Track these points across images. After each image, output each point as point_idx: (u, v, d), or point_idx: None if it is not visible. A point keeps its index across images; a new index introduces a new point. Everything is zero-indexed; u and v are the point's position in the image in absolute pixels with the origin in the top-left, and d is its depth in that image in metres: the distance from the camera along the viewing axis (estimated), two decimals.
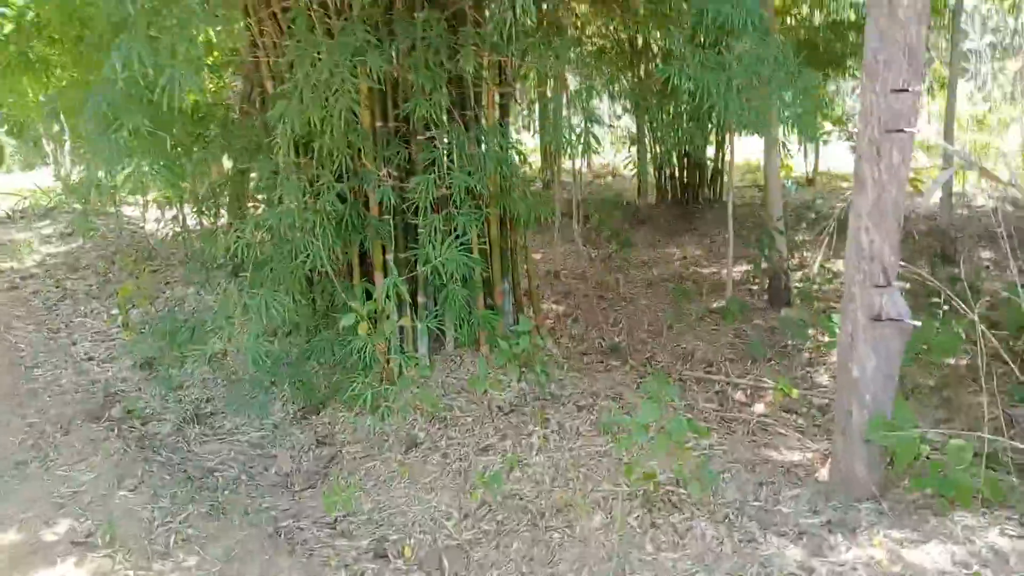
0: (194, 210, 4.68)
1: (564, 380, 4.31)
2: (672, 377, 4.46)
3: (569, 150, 3.78)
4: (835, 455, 2.96)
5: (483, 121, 4.04)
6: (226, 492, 3.64)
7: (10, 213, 11.21)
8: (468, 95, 4.14)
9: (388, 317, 3.24)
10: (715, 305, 5.78)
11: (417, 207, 3.74)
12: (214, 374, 4.87)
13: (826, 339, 4.68)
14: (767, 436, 3.59)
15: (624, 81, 8.64)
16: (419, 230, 3.93)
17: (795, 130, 3.49)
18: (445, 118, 3.92)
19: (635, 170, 10.02)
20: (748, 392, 4.25)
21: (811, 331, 4.81)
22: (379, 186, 3.86)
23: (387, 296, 3.07)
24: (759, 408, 4.03)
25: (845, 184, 12.66)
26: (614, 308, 5.83)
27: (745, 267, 7.00)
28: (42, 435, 4.09)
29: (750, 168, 13.02)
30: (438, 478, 3.42)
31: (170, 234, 6.67)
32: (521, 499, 3.16)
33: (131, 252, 8.42)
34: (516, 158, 4.12)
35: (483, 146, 3.78)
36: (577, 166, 8.67)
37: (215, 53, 4.72)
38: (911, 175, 2.64)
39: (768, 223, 5.40)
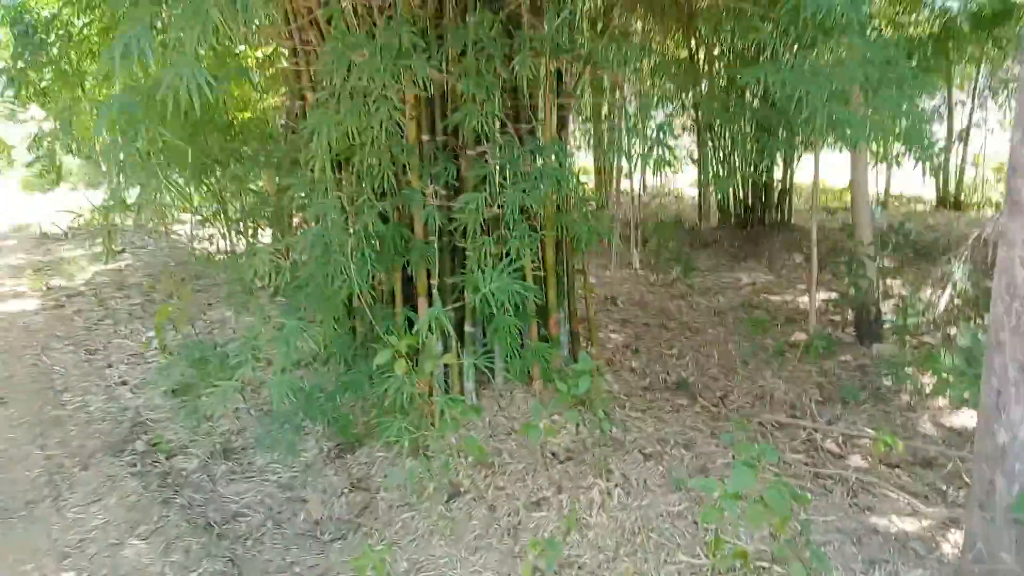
0: (230, 229, 4.39)
1: (627, 422, 3.83)
2: (750, 422, 3.93)
3: (637, 165, 3.34)
4: (969, 532, 2.41)
5: (539, 134, 3.64)
6: (248, 543, 3.27)
7: (65, 231, 11.34)
8: (523, 106, 3.75)
9: (430, 354, 2.83)
10: (794, 338, 5.21)
11: (465, 228, 3.34)
12: (247, 403, 4.56)
13: (928, 380, 4.09)
14: (870, 498, 3.04)
15: (686, 96, 8.17)
16: (467, 253, 3.53)
17: (904, 144, 2.98)
18: (498, 131, 3.53)
19: (697, 191, 9.50)
20: (841, 442, 3.70)
21: (909, 370, 4.22)
22: (425, 205, 3.49)
23: (429, 329, 2.67)
24: (856, 461, 3.47)
25: (918, 207, 11.87)
26: (678, 339, 5.32)
27: (823, 296, 6.41)
28: (59, 470, 3.81)
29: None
30: (483, 536, 2.97)
31: (214, 253, 6.47)
32: (581, 568, 2.70)
33: (176, 271, 8.30)
34: (574, 175, 3.69)
35: (539, 161, 3.36)
36: (635, 186, 8.23)
37: (249, 59, 4.45)
38: None
39: (856, 248, 4.83)
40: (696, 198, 10.46)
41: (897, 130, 2.97)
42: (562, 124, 3.85)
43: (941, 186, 11.25)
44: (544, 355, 3.65)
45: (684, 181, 12.58)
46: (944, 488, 3.08)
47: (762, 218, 9.22)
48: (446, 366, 3.98)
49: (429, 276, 3.81)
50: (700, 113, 8.60)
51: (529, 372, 3.85)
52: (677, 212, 10.71)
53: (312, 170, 3.05)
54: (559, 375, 3.80)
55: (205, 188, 3.81)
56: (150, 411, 4.73)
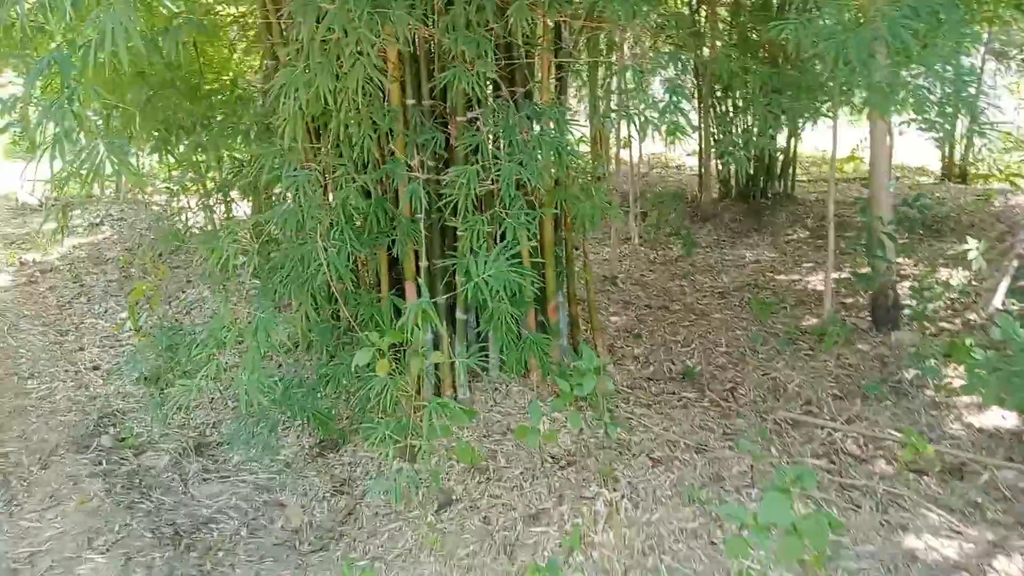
0: (207, 201, 4.02)
1: (632, 419, 3.53)
2: (765, 420, 3.65)
3: (639, 134, 2.99)
4: None
5: (537, 98, 3.27)
6: (219, 554, 2.97)
7: (41, 201, 10.87)
8: (518, 67, 3.37)
9: (417, 352, 2.51)
10: (805, 323, 4.92)
11: (456, 205, 3.00)
12: (224, 393, 4.24)
13: (953, 373, 3.81)
14: (902, 514, 2.76)
15: (689, 57, 7.73)
16: (459, 234, 3.19)
17: (952, 109, 2.64)
18: (491, 94, 3.17)
19: (697, 161, 9.13)
20: (863, 443, 3.41)
21: (933, 362, 3.93)
22: (410, 179, 3.14)
23: (416, 324, 2.34)
24: (880, 466, 3.19)
25: (923, 180, 11.53)
26: (683, 323, 5.02)
27: (832, 275, 6.09)
28: (16, 468, 3.49)
29: (815, 161, 12.00)
30: (477, 553, 2.68)
31: (191, 227, 6.09)
32: None
33: (155, 245, 7.90)
34: (575, 144, 3.34)
35: (537, 128, 3.00)
36: (634, 156, 7.86)
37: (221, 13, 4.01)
38: None
39: (874, 225, 4.51)
40: (696, 168, 10.08)
41: (938, 94, 2.63)
42: (561, 87, 3.48)
43: (946, 156, 10.88)
44: (542, 346, 3.33)
45: (681, 151, 12.17)
46: (980, 502, 2.81)
47: (764, 190, 8.86)
48: (434, 346, 3.67)
49: (417, 258, 3.48)
50: (702, 77, 8.17)
51: (526, 364, 3.54)
52: (676, 184, 10.34)
53: (283, 137, 2.68)
54: (558, 368, 3.49)
55: (172, 158, 3.43)
56: (120, 400, 4.40)
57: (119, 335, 5.54)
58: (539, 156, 2.83)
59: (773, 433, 3.49)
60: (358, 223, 3.19)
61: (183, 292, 6.30)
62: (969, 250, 4.87)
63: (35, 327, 5.74)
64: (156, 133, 3.65)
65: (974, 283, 5.29)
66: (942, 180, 11.03)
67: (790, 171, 8.86)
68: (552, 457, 3.09)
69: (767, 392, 4.01)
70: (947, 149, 10.96)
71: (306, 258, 2.90)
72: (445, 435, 2.52)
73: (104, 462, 3.59)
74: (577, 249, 4.13)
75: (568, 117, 3.16)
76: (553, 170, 3.29)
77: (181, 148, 3.30)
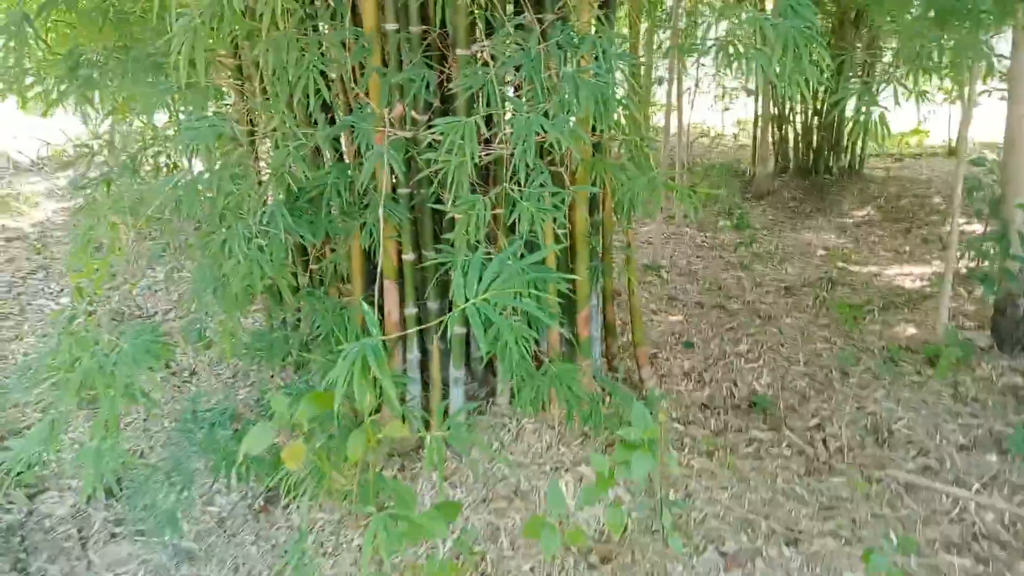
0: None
1: (687, 478, 2.57)
2: (870, 482, 2.65)
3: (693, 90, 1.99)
4: None
5: (573, 22, 2.25)
6: None
7: (34, 161, 10.11)
8: None
9: (361, 429, 1.52)
10: (906, 334, 3.88)
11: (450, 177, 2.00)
12: (162, 408, 3.36)
13: None
14: None
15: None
16: (453, 218, 2.21)
17: None
18: (507, 18, 2.15)
19: (752, 128, 8.01)
20: (1008, 522, 2.42)
21: None
22: (389, 136, 2.15)
23: (367, 376, 1.36)
24: None
25: (991, 156, 10.21)
26: (745, 328, 4.01)
27: (920, 269, 5.02)
28: None
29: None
30: None
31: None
32: None
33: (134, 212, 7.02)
34: (634, 90, 2.32)
35: (571, 66, 1.98)
36: (684, 119, 6.76)
37: None
38: None
39: (1008, 215, 3.43)
40: (746, 140, 8.95)
41: None
42: (607, 7, 2.43)
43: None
44: (567, 381, 2.36)
45: (730, 119, 10.98)
46: None
47: (827, 165, 7.73)
48: (423, 368, 2.73)
49: (400, 249, 2.52)
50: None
51: (545, 400, 2.57)
52: (726, 155, 9.21)
53: (177, 70, 1.71)
54: (590, 405, 2.52)
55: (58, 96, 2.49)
56: (38, 415, 3.54)
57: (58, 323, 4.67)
58: (575, 107, 1.82)
59: (882, 500, 2.51)
60: (311, 198, 2.22)
61: (153, 270, 5.40)
62: None
63: None
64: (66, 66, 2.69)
65: None
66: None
67: (863, 142, 7.71)
68: (579, 549, 2.13)
69: (865, 433, 3.01)
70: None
71: (227, 248, 1.94)
72: (411, 541, 1.57)
73: None
74: (625, 242, 3.13)
75: (621, 51, 2.13)
76: (595, 128, 2.29)
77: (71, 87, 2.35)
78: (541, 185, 1.91)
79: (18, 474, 2.92)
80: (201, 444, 2.35)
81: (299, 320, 2.80)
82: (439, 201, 2.23)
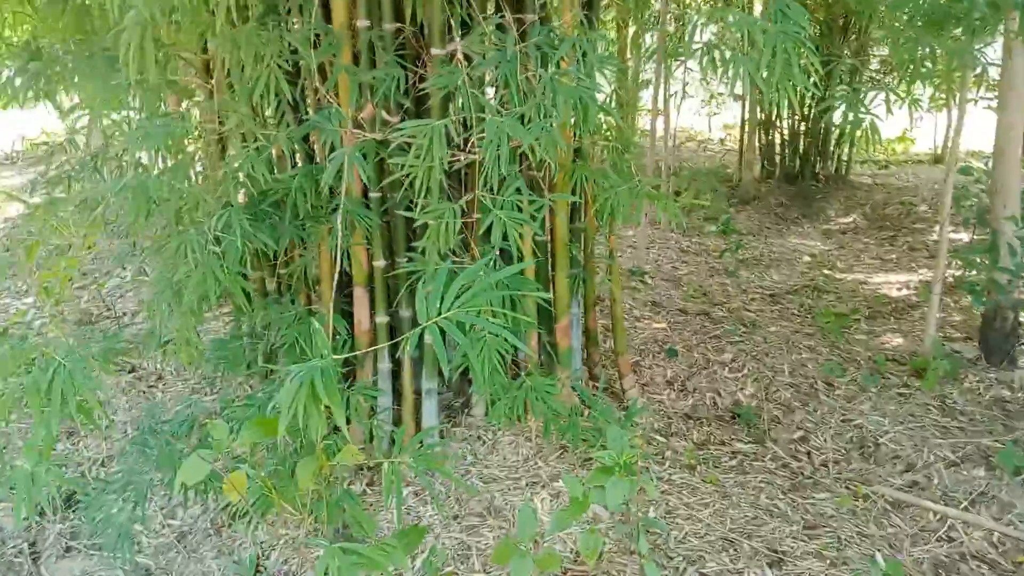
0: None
1: (669, 492, 2.48)
2: (857, 498, 2.58)
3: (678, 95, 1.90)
4: None
5: (555, 24, 2.16)
6: None
7: (9, 155, 9.91)
8: None
9: (312, 455, 1.41)
10: (892, 344, 3.82)
11: (420, 182, 1.89)
12: (126, 411, 3.24)
13: None
14: None
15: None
16: (423, 224, 2.11)
17: None
18: (483, 18, 2.05)
19: (739, 133, 7.96)
20: (998, 542, 2.35)
21: None
22: (359, 138, 2.05)
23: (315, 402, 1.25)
24: None
25: (976, 163, 10.23)
26: (730, 336, 3.93)
27: (906, 278, 4.98)
28: None
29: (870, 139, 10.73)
30: None
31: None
32: None
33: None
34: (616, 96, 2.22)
35: (551, 69, 1.89)
36: (670, 122, 6.71)
37: None
38: None
39: (998, 226, 3.37)
40: (732, 145, 8.91)
41: None
42: (590, 9, 2.34)
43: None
44: (544, 394, 2.26)
45: (716, 124, 10.94)
46: None
47: (813, 170, 7.69)
48: (394, 377, 2.62)
49: (370, 255, 2.41)
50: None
51: (522, 411, 2.47)
52: (711, 159, 9.16)
53: (127, 65, 1.59)
54: (568, 420, 2.43)
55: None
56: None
57: (31, 321, 4.53)
58: (553, 111, 1.73)
59: (868, 518, 2.44)
60: (275, 201, 2.11)
61: (125, 267, 5.26)
62: None
63: None
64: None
65: None
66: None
67: (851, 148, 7.69)
68: (552, 574, 2.04)
69: (850, 447, 2.94)
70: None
71: (183, 250, 1.83)
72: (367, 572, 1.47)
73: None
74: (608, 249, 3.04)
75: (602, 54, 2.04)
76: (573, 134, 2.19)
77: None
78: (517, 191, 1.82)
79: None
80: (159, 459, 2.24)
81: (267, 327, 2.69)
82: (410, 207, 2.13)
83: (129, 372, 3.61)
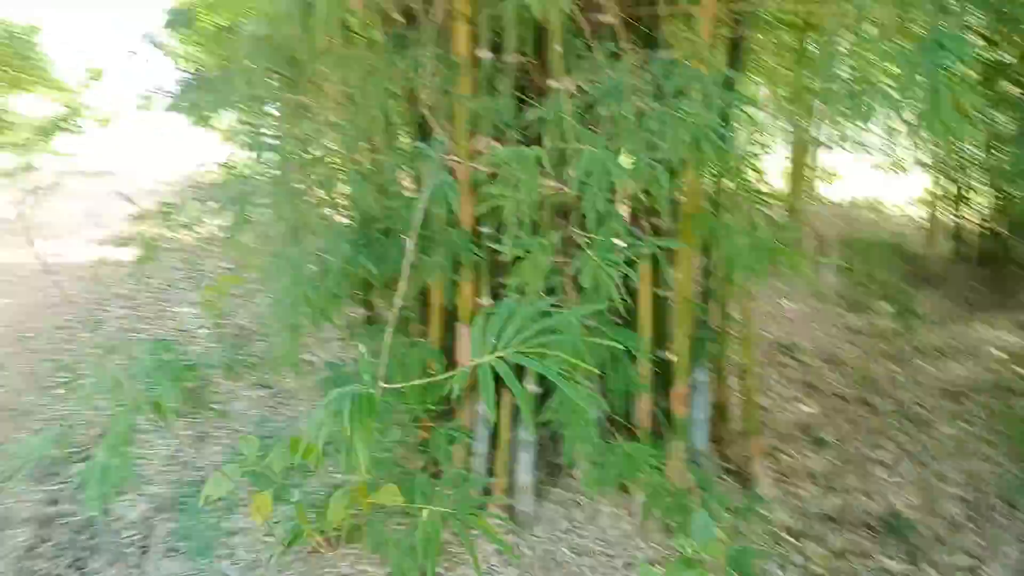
0: None
1: None
2: None
3: None
4: None
5: (690, 62, 1.99)
6: None
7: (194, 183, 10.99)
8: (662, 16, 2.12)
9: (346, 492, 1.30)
10: None
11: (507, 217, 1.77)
12: None
13: None
14: None
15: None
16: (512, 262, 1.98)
17: None
18: (602, 49, 1.93)
19: (927, 205, 7.18)
20: None
21: None
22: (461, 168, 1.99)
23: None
24: None
25: None
26: (891, 431, 3.40)
27: None
28: None
29: None
30: None
31: None
32: None
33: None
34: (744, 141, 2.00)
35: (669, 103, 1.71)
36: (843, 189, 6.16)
37: None
38: None
39: None
40: (923, 218, 8.01)
41: None
42: (736, 55, 2.13)
43: None
44: (643, 463, 2.02)
45: (899, 195, 9.93)
46: None
47: (1012, 254, 6.70)
48: (493, 426, 2.47)
49: (477, 291, 2.33)
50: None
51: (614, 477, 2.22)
52: (892, 232, 8.31)
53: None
54: (675, 498, 2.16)
55: None
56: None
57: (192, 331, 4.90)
58: (662, 145, 1.55)
59: None
60: (385, 229, 2.09)
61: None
62: None
63: (127, 310, 5.29)
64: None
65: None
66: None
67: None
68: None
69: None
70: None
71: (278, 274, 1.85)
72: None
73: (59, 501, 2.79)
74: (744, 308, 2.75)
75: (734, 90, 1.84)
76: (700, 182, 1.99)
77: None
78: (609, 229, 1.65)
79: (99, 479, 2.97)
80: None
81: (375, 354, 2.67)
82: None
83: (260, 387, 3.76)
